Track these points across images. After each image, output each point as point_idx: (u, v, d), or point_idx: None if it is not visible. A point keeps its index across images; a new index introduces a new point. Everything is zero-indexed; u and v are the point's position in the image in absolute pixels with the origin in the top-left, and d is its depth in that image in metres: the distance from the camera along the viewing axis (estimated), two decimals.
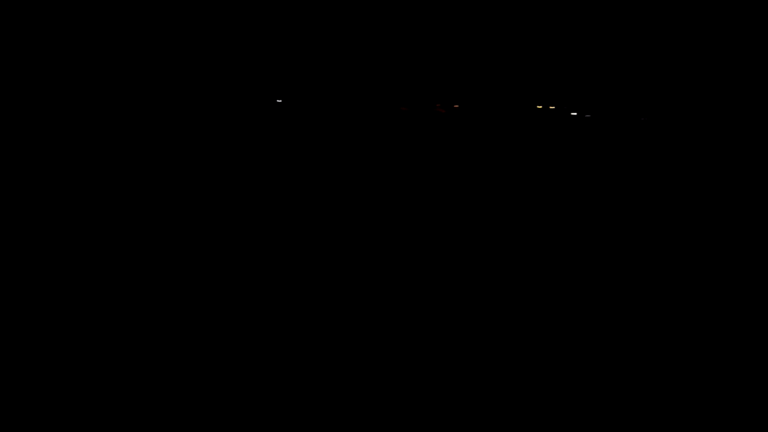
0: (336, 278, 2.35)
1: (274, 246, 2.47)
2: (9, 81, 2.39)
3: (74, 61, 2.42)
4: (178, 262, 2.37)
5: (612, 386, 1.87)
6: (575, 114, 2.56)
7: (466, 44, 2.77)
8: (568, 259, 2.45)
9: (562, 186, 2.70)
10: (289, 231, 2.53)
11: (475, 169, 2.72)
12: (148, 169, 2.57)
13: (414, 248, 2.50)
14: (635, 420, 1.74)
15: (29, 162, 2.50)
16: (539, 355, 2.01)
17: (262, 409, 1.74)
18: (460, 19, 2.72)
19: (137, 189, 2.54)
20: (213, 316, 2.15)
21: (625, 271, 2.41)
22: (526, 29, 2.73)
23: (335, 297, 2.26)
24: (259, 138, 2.56)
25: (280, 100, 2.59)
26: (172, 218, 2.51)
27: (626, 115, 2.75)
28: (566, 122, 2.74)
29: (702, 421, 1.73)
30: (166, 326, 2.09)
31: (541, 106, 2.89)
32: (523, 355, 2.01)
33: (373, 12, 2.59)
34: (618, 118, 2.71)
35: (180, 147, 2.59)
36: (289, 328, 2.12)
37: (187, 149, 2.59)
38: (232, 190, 2.55)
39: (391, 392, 1.82)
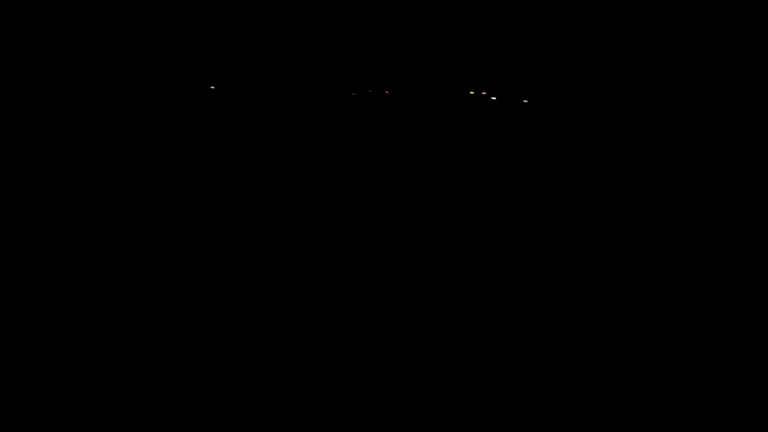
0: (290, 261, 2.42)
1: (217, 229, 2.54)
2: (8, 81, 2.44)
3: (62, 58, 2.49)
4: (160, 254, 2.43)
5: (610, 384, 1.88)
6: (495, 98, 2.65)
7: (401, 30, 2.84)
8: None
9: (490, 168, 2.78)
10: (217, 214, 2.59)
11: (404, 152, 2.80)
12: (122, 163, 2.63)
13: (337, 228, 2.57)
14: (635, 420, 1.75)
15: (28, 161, 2.56)
16: (504, 340, 2.08)
17: (261, 409, 1.76)
18: (392, 4, 2.80)
19: (115, 184, 2.60)
20: (200, 306, 2.20)
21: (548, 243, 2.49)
22: (464, 16, 2.81)
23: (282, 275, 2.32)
24: (188, 125, 2.63)
25: (213, 87, 2.67)
26: (145, 208, 2.57)
27: (552, 103, 2.83)
28: (492, 107, 2.82)
29: (702, 420, 1.75)
30: (161, 323, 2.14)
31: (473, 92, 2.98)
32: (484, 337, 2.07)
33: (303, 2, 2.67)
34: (541, 104, 2.80)
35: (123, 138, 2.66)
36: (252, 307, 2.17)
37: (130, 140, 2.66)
38: (172, 175, 2.62)
39: (385, 391, 1.84)
